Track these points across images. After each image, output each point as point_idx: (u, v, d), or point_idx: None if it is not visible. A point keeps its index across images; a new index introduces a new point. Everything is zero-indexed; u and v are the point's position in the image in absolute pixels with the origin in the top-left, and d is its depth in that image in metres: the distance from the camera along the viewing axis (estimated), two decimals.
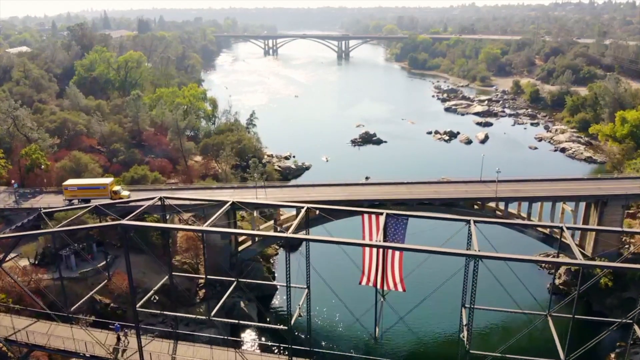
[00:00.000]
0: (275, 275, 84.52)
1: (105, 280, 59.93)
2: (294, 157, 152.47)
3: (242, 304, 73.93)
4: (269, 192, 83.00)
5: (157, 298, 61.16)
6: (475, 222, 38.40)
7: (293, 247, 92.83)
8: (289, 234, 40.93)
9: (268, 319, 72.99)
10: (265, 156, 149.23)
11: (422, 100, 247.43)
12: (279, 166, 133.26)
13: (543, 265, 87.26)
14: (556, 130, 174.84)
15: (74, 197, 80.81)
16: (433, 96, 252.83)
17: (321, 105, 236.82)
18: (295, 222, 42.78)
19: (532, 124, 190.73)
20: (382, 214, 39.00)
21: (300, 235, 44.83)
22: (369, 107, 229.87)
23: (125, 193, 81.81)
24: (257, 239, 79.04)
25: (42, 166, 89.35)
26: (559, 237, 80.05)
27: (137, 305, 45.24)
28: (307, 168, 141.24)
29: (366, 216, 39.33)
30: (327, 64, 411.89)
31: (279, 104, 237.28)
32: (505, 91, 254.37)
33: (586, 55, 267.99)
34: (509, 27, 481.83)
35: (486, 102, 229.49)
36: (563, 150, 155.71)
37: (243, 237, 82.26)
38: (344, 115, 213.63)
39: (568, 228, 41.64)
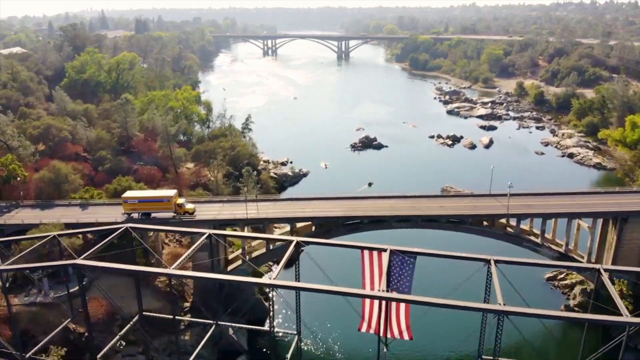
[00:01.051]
0: (270, 295, 78.39)
1: (79, 309, 54.33)
2: (291, 162, 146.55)
3: (230, 331, 67.93)
4: (261, 206, 77.01)
5: (123, 344, 55.24)
6: (496, 262, 32.29)
7: (288, 263, 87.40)
8: (273, 281, 34.92)
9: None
10: (262, 162, 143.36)
11: (424, 102, 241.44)
12: (275, 173, 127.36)
13: (556, 284, 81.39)
14: (563, 134, 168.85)
15: (133, 210, 74.44)
16: (435, 98, 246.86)
17: (320, 108, 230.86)
18: (284, 260, 36.68)
19: (537, 128, 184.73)
20: (385, 250, 33.09)
21: (288, 283, 38.79)
22: (369, 110, 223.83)
23: (190, 206, 75.22)
24: (247, 257, 73.11)
25: (19, 178, 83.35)
26: (578, 257, 74.88)
27: (99, 356, 39.31)
28: (305, 175, 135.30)
29: (366, 253, 33.47)
30: (326, 64, 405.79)
31: (277, 106, 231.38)
32: (508, 93, 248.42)
33: (591, 56, 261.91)
34: (510, 27, 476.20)
35: (489, 104, 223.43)
36: (571, 155, 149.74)
37: (233, 256, 76.42)
38: (343, 117, 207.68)
39: (605, 270, 35.46)
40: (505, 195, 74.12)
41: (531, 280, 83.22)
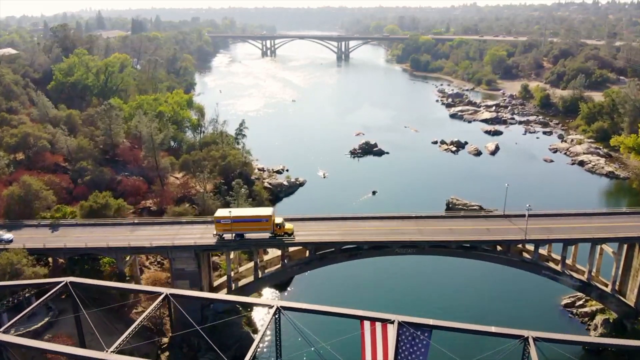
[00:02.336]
0: (259, 327, 70.84)
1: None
2: (287, 170, 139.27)
3: None
4: None
5: None
6: (535, 339, 24.92)
7: (282, 286, 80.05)
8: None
9: None
10: (256, 169, 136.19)
11: (426, 105, 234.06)
12: (270, 183, 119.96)
13: (574, 312, 74.04)
14: (572, 140, 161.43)
15: (226, 231, 66.49)
16: (437, 101, 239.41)
17: (319, 111, 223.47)
18: (262, 331, 29.31)
19: (544, 133, 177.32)
20: (391, 322, 25.78)
21: None
22: (369, 113, 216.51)
23: (289, 226, 67.47)
24: (233, 286, 65.81)
25: None
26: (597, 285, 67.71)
27: None
28: (302, 184, 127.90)
29: (367, 325, 26.13)
30: (326, 65, 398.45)
31: (275, 110, 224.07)
32: (513, 96, 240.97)
33: (597, 58, 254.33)
34: (513, 28, 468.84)
35: (494, 107, 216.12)
36: (581, 163, 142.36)
37: (218, 283, 69.12)
38: (342, 122, 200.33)
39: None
40: (521, 216, 66.82)
41: (546, 305, 76.13)
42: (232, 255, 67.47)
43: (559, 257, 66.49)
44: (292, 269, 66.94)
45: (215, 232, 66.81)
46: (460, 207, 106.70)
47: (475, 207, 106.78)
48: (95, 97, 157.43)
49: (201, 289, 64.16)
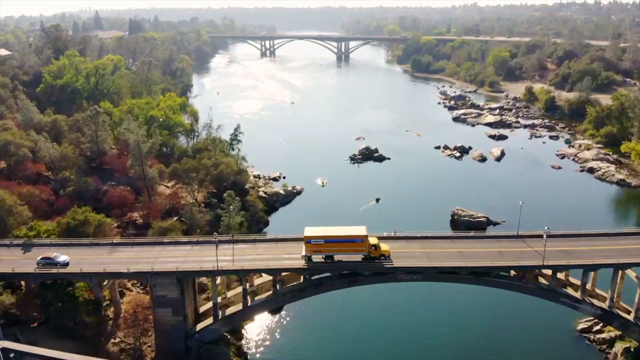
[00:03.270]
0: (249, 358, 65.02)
1: None
2: (284, 177, 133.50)
3: None
4: (238, 249, 63.70)
5: None
6: None
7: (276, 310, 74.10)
8: None
9: None
10: (251, 177, 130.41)
11: (428, 107, 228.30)
12: (265, 192, 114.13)
13: (592, 338, 68.24)
14: (580, 145, 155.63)
15: (317, 252, 60.48)
16: (439, 103, 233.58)
17: (318, 114, 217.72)
18: None
19: (550, 137, 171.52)
20: None
21: None
22: (369, 116, 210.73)
23: (385, 247, 61.48)
24: (220, 314, 60.00)
25: None
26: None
27: None
28: (299, 193, 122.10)
29: None
30: (326, 66, 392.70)
31: (273, 112, 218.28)
32: (517, 98, 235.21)
33: (603, 60, 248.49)
34: (515, 28, 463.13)
35: (497, 110, 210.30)
36: (591, 170, 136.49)
37: (206, 308, 63.36)
38: (342, 125, 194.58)
39: None
40: (537, 237, 60.96)
41: (561, 330, 70.39)
42: (218, 280, 61.62)
43: (577, 282, 60.75)
44: (285, 297, 61.04)
45: (303, 254, 60.50)
46: (466, 218, 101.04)
47: (481, 219, 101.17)
48: (86, 100, 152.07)
49: (185, 318, 58.34)
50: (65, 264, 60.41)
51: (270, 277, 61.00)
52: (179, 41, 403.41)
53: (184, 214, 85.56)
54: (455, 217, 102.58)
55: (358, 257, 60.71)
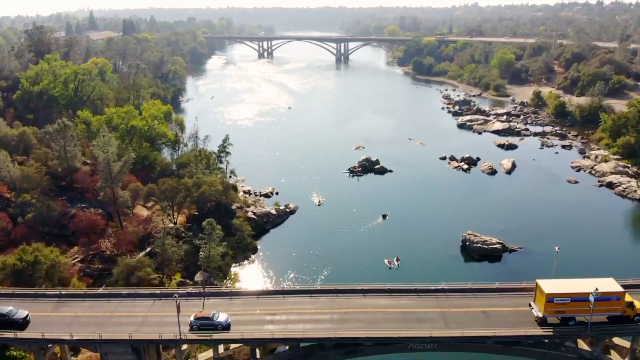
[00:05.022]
0: None
1: None
2: (276, 193, 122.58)
3: None
4: (209, 306, 52.54)
5: None
6: None
7: None
8: None
9: None
10: (241, 193, 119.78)
11: (431, 113, 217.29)
12: (254, 213, 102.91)
13: None
14: (596, 157, 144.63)
15: (560, 313, 49.70)
16: (443, 108, 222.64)
17: (315, 120, 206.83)
18: None
19: (563, 147, 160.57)
20: None
21: None
22: (369, 123, 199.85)
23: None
24: None
25: None
26: None
27: None
28: (292, 212, 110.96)
29: None
30: (324, 67, 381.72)
31: (268, 118, 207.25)
32: (524, 103, 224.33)
33: (613, 62, 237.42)
34: (518, 29, 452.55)
35: (505, 116, 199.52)
36: (610, 185, 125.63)
37: None
38: (341, 133, 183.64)
39: None
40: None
41: None
42: (185, 346, 50.75)
43: (625, 344, 49.81)
44: None
45: (539, 315, 49.63)
46: (478, 245, 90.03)
47: (496, 246, 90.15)
48: (64, 108, 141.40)
49: None
50: (227, 326, 49.96)
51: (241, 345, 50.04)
52: (173, 42, 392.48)
53: (155, 246, 74.45)
54: (467, 243, 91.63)
55: (602, 318, 49.80)
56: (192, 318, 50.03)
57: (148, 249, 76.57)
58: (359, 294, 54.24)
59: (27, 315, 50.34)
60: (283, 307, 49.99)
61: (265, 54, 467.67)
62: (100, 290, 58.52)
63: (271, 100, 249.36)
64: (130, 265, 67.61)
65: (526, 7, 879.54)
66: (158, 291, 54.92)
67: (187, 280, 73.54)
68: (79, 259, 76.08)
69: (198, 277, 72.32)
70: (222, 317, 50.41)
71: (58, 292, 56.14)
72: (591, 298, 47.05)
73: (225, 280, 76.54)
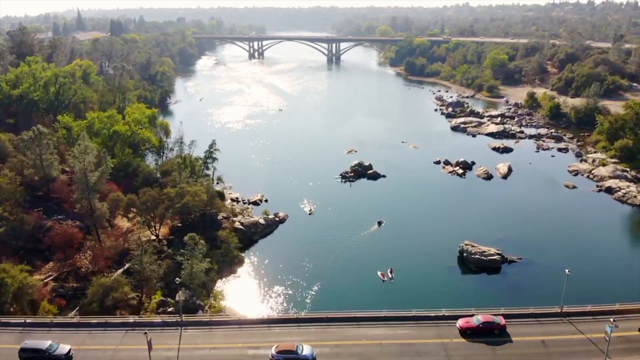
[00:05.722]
0: None
1: None
2: (266, 201, 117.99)
3: None
4: (187, 337, 47.93)
5: None
6: None
7: None
8: None
9: None
10: (228, 200, 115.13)
11: (424, 115, 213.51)
12: (242, 223, 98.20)
13: None
14: (593, 160, 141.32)
15: None
16: (436, 110, 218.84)
17: (307, 122, 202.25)
18: None
19: (559, 150, 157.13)
20: None
21: None
22: (362, 125, 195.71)
23: None
24: None
25: None
26: None
27: None
28: (282, 221, 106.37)
29: None
30: (316, 68, 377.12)
31: (258, 120, 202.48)
32: (518, 104, 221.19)
33: (608, 63, 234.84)
34: (510, 29, 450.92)
35: (499, 118, 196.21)
36: (609, 190, 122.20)
37: None
38: (332, 135, 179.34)
39: None
40: (588, 314, 45.71)
41: None
42: None
43: None
44: None
45: None
46: (476, 256, 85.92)
47: (495, 257, 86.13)
48: (45, 113, 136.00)
49: None
50: None
51: None
52: (162, 42, 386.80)
53: (132, 265, 69.56)
54: (465, 254, 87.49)
55: None
56: (273, 351, 45.29)
57: (127, 265, 71.66)
58: (352, 323, 49.72)
59: (70, 350, 45.45)
60: (268, 339, 45.45)
61: (256, 54, 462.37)
62: (69, 318, 53.74)
63: (261, 102, 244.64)
64: (106, 285, 62.79)
65: (517, 7, 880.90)
66: (131, 319, 50.24)
67: (169, 299, 68.83)
68: (52, 277, 71.12)
69: (180, 296, 67.68)
70: (307, 350, 45.82)
71: (22, 322, 51.32)
72: None
73: (209, 299, 71.84)
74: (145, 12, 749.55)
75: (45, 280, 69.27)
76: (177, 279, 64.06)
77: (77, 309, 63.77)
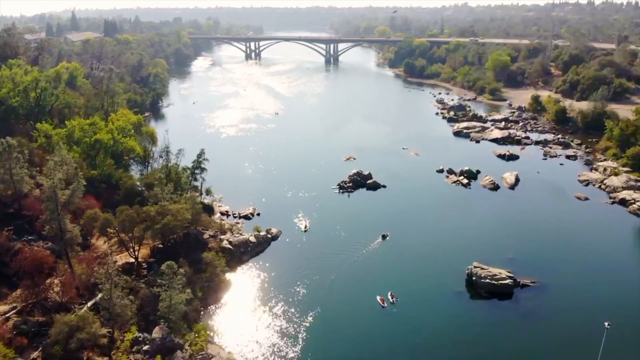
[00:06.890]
0: None
1: None
2: (258, 214, 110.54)
3: None
4: None
5: None
6: None
7: None
8: None
9: None
10: (217, 214, 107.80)
11: (424, 119, 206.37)
12: (230, 242, 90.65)
13: None
14: (605, 169, 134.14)
15: None
16: (437, 114, 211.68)
17: (304, 127, 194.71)
18: None
19: (567, 157, 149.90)
20: None
21: None
22: (360, 130, 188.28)
23: None
24: None
25: None
26: None
27: None
28: (274, 238, 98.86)
29: None
30: (313, 69, 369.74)
31: (253, 125, 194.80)
32: (522, 108, 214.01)
33: (614, 65, 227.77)
34: (510, 29, 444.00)
35: (503, 122, 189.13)
36: (623, 202, 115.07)
37: None
38: (330, 141, 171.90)
39: None
40: None
41: None
42: None
43: None
44: None
45: None
46: (487, 281, 78.62)
47: (506, 282, 78.82)
48: (25, 119, 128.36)
49: None
50: None
51: None
52: (156, 43, 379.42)
53: (102, 299, 61.74)
54: (473, 277, 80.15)
55: None
56: None
57: (99, 296, 64.07)
58: None
59: None
60: None
61: (253, 55, 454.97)
62: None
63: (257, 105, 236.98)
64: (70, 324, 55.27)
65: (517, 7, 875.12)
66: None
67: (145, 335, 61.34)
68: (16, 309, 63.56)
69: (156, 332, 60.25)
70: None
71: None
72: None
73: (190, 333, 64.33)
74: (142, 12, 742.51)
75: (8, 315, 61.72)
76: (160, 303, 56.59)
77: (39, 349, 56.32)
